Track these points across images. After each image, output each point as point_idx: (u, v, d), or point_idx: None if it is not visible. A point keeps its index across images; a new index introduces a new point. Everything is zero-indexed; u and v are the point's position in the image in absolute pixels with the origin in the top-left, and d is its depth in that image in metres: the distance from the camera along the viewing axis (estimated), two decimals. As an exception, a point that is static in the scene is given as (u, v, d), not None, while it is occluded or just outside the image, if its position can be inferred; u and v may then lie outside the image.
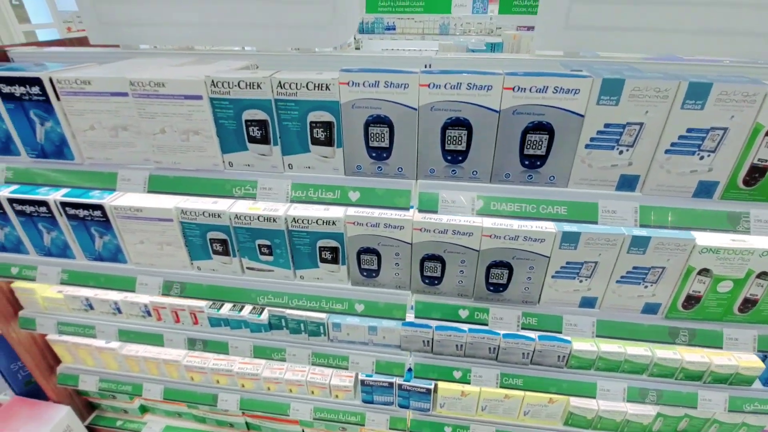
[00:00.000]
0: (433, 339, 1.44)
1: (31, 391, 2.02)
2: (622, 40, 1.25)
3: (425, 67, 1.34)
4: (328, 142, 1.09)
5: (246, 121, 1.09)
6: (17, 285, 1.65)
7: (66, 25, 3.75)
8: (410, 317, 1.35)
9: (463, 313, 1.30)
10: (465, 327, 1.42)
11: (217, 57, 1.41)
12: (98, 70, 1.19)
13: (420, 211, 1.09)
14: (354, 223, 1.22)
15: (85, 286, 1.46)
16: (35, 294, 1.65)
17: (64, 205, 1.37)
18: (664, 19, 1.20)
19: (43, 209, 1.39)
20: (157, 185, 1.18)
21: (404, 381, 1.60)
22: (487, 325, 1.29)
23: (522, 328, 1.28)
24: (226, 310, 1.56)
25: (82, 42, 1.88)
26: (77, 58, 1.54)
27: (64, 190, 1.39)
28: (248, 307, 1.57)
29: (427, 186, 1.10)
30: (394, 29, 5.15)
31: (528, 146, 1.02)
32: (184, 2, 1.37)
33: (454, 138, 1.04)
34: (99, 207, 1.35)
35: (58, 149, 1.22)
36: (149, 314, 1.61)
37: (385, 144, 1.07)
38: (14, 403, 1.94)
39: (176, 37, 1.42)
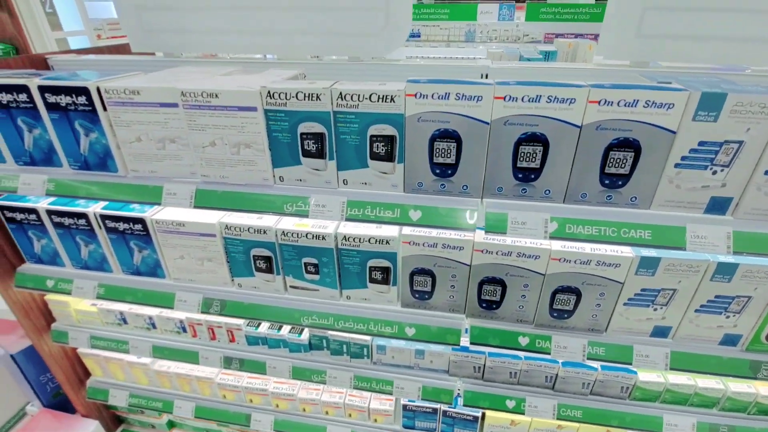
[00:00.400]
0: (485, 365, 1.35)
1: (59, 403, 1.98)
2: (694, 49, 1.16)
3: (481, 77, 1.27)
4: (389, 157, 1.02)
5: (301, 134, 1.02)
6: (51, 297, 1.61)
7: (96, 33, 3.78)
8: (464, 342, 1.26)
9: (523, 341, 1.21)
10: (521, 354, 1.33)
11: (262, 66, 1.36)
12: (145, 79, 1.14)
13: (487, 232, 1.01)
14: (410, 243, 1.14)
15: (122, 301, 1.41)
16: (69, 307, 1.61)
17: (104, 218, 1.32)
18: (738, 27, 1.11)
19: (82, 222, 1.34)
20: (204, 200, 1.12)
21: (450, 407, 1.51)
22: (549, 353, 1.20)
23: (588, 359, 1.18)
24: (265, 328, 1.50)
25: (119, 50, 1.86)
26: (116, 66, 1.51)
27: (104, 203, 1.35)
28: (287, 326, 1.50)
29: (494, 205, 1.02)
30: (419, 36, 5.10)
31: (610, 164, 0.93)
32: (230, 11, 1.32)
33: (528, 155, 0.96)
34: (140, 221, 1.29)
35: (102, 161, 1.17)
36: (184, 330, 1.55)
37: (451, 160, 0.99)
38: (42, 416, 1.90)
39: (220, 45, 1.38)
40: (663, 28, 1.15)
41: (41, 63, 1.53)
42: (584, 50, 3.58)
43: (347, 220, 1.06)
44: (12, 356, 1.78)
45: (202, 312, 1.35)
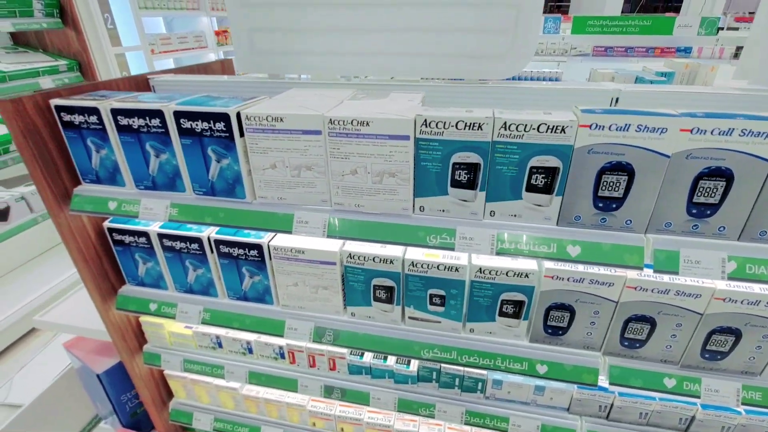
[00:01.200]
0: (612, 404, 1.27)
1: (136, 423, 1.96)
2: None
3: (612, 101, 1.21)
4: (548, 189, 0.96)
5: (454, 163, 0.98)
6: (145, 319, 1.59)
7: (151, 47, 3.84)
8: (601, 382, 1.18)
9: (669, 383, 1.13)
10: (655, 394, 1.24)
11: (381, 88, 1.31)
12: (279, 105, 1.10)
13: (656, 271, 0.94)
14: (553, 277, 1.08)
15: (228, 327, 1.37)
16: (163, 329, 1.58)
17: (218, 242, 1.29)
18: None
19: (194, 246, 1.31)
20: (338, 229, 1.08)
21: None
22: (698, 397, 1.11)
23: (742, 403, 1.10)
24: (370, 357, 1.44)
25: (205, 70, 1.85)
26: (219, 88, 1.49)
27: (216, 228, 1.32)
28: (393, 356, 1.44)
29: (663, 242, 0.95)
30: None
31: (805, 202, 0.86)
32: (346, 33, 1.29)
33: (708, 189, 0.89)
34: (256, 246, 1.26)
35: (230, 187, 1.14)
36: (282, 356, 1.51)
37: (619, 194, 0.93)
38: (122, 437, 1.87)
39: (334, 66, 1.35)
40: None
41: (144, 83, 1.53)
42: (705, 72, 3.44)
43: (497, 254, 1.00)
44: (98, 376, 1.77)
45: (314, 341, 1.30)
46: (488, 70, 1.26)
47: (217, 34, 4.86)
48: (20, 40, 3.16)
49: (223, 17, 5.13)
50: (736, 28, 5.69)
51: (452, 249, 1.02)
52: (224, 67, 1.98)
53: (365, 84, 1.35)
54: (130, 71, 3.52)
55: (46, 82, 2.89)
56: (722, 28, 4.00)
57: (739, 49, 3.97)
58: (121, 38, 3.50)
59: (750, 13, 10.18)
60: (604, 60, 4.48)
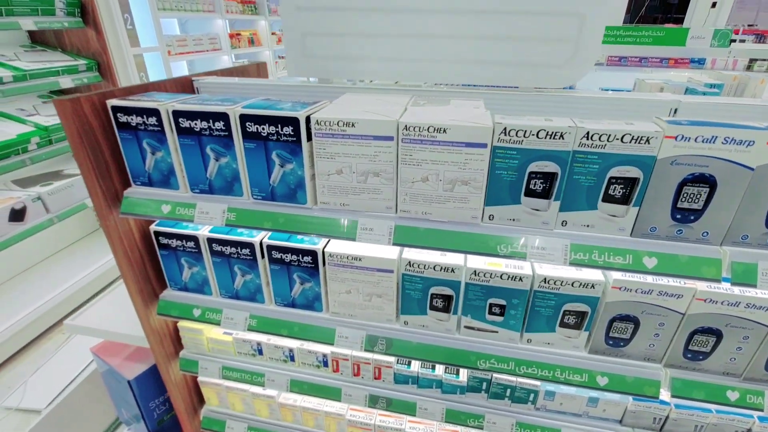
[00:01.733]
0: (668, 417, 1.26)
1: (162, 430, 1.92)
2: None
3: (670, 112, 1.21)
4: (625, 199, 0.96)
5: (530, 172, 0.97)
6: (184, 324, 1.56)
7: (167, 48, 3.81)
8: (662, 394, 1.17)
9: (733, 396, 1.12)
10: (712, 407, 1.24)
11: (440, 94, 1.30)
12: (340, 108, 1.09)
13: (733, 283, 0.93)
14: (621, 288, 1.07)
15: (276, 334, 1.35)
16: (202, 335, 1.55)
17: (270, 248, 1.27)
18: None
19: (245, 251, 1.29)
20: (405, 237, 1.07)
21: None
22: (762, 410, 1.11)
23: (806, 418, 1.09)
24: (417, 366, 1.42)
25: (244, 72, 1.84)
26: (266, 90, 1.47)
27: (267, 233, 1.30)
28: (441, 365, 1.42)
29: (740, 255, 0.94)
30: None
31: None
32: (404, 38, 1.29)
33: (791, 203, 0.89)
34: (310, 252, 1.24)
35: (291, 192, 1.13)
36: (325, 364, 1.48)
37: (698, 206, 0.93)
38: (150, 444, 1.83)
39: (392, 72, 1.34)
40: None
41: (188, 85, 1.51)
42: (754, 84, 3.44)
43: (571, 264, 0.99)
44: (129, 382, 1.73)
45: (366, 350, 1.28)
46: (547, 78, 1.26)
47: (231, 36, 4.84)
48: (38, 39, 3.13)
49: (235, 20, 5.12)
50: (743, 40, 5.77)
51: (524, 258, 1.01)
52: (259, 70, 1.97)
53: (415, 89, 1.34)
54: (147, 72, 3.50)
55: (66, 82, 2.85)
56: (734, 40, 4.05)
57: (752, 61, 4.03)
58: (139, 39, 3.48)
59: (749, 25, 10.35)
60: (618, 70, 4.52)
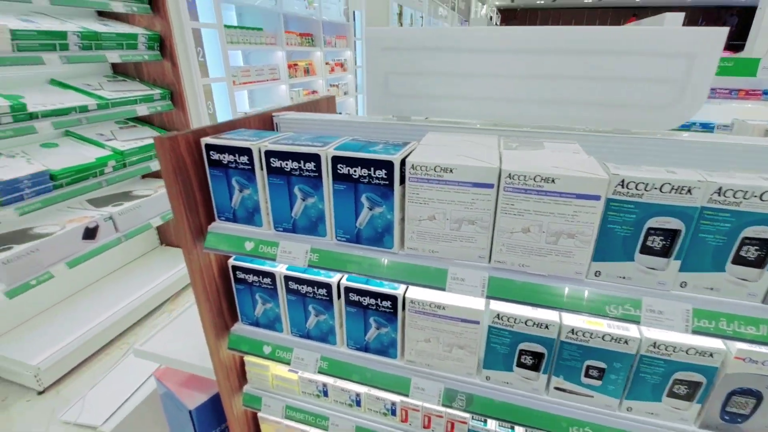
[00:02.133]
0: None
1: (215, 462, 1.89)
2: None
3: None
4: (760, 263, 0.85)
5: (649, 228, 0.88)
6: (250, 359, 1.54)
7: (233, 79, 4.00)
8: (787, 485, 1.02)
9: None
10: None
11: (530, 135, 1.25)
12: (433, 152, 1.05)
13: None
14: (745, 360, 0.95)
15: (347, 379, 1.30)
16: (268, 371, 1.52)
17: (348, 290, 1.23)
18: None
19: (321, 291, 1.26)
20: (500, 290, 1.00)
21: None
22: None
23: None
24: (494, 425, 1.32)
25: (316, 107, 1.86)
26: (347, 128, 1.46)
27: (344, 275, 1.27)
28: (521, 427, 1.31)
29: None
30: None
31: None
32: (492, 78, 1.25)
33: None
34: (390, 297, 1.19)
35: (378, 236, 1.09)
36: (393, 413, 1.41)
37: None
38: (205, 478, 1.80)
39: (478, 112, 1.31)
40: None
41: (268, 121, 1.54)
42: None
43: (694, 332, 0.88)
44: (190, 411, 1.72)
45: (444, 405, 1.20)
46: (649, 120, 1.18)
47: (289, 66, 5.05)
48: (120, 70, 3.36)
49: (293, 51, 5.34)
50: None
51: (638, 322, 0.91)
52: (328, 104, 2.00)
53: (495, 128, 1.29)
54: (213, 100, 3.67)
55: (142, 109, 3.03)
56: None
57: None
58: (209, 69, 3.67)
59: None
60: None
